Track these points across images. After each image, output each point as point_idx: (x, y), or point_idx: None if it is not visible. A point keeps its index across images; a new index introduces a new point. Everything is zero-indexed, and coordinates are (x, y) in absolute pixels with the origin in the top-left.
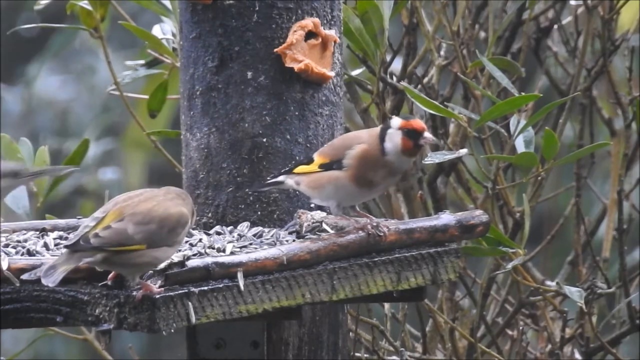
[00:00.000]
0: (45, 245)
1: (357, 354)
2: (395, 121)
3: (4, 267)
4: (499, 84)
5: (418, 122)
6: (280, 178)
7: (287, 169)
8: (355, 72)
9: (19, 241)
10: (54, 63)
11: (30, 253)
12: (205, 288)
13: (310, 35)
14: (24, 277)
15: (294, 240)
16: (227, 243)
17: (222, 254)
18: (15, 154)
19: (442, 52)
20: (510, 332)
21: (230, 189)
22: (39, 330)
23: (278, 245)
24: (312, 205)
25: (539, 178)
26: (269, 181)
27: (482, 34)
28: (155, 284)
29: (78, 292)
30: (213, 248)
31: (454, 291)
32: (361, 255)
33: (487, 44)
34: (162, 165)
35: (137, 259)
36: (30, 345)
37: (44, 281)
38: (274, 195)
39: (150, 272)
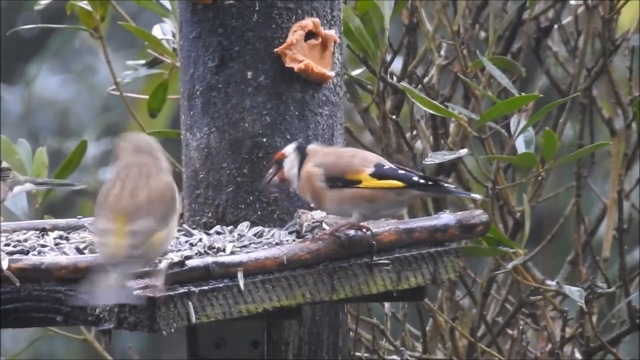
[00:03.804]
0: (45, 245)
1: (357, 354)
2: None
3: (4, 266)
4: (499, 84)
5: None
6: None
7: None
8: (355, 72)
9: (19, 241)
10: (54, 63)
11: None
12: (206, 288)
13: (310, 35)
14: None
15: (294, 240)
16: (227, 243)
17: (222, 253)
18: (13, 155)
19: (442, 52)
20: (510, 332)
21: (230, 188)
22: (39, 330)
23: (278, 245)
24: (312, 205)
25: (539, 178)
26: None
27: (483, 34)
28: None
29: (78, 291)
30: (213, 248)
31: (454, 291)
32: (361, 255)
33: (487, 43)
34: None
35: (159, 247)
36: (30, 345)
37: (124, 301)
38: (274, 195)
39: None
